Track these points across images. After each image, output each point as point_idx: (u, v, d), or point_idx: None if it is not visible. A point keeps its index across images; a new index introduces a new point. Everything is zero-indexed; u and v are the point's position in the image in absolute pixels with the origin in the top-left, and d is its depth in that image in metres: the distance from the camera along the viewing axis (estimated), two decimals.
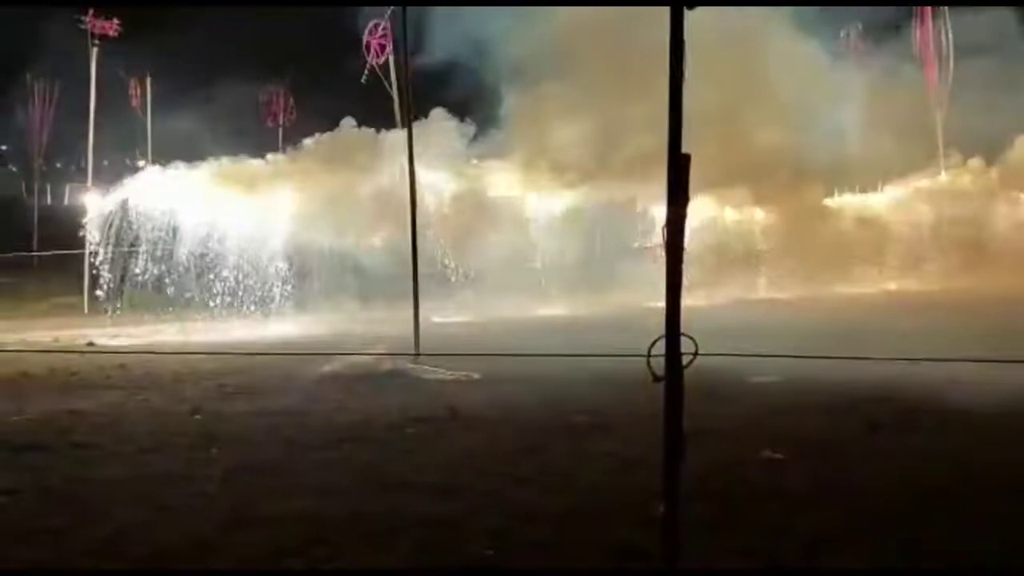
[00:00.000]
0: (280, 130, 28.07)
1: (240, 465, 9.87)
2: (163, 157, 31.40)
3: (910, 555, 6.79)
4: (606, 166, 26.07)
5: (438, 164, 24.79)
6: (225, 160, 25.46)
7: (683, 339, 5.57)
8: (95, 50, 30.73)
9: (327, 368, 15.58)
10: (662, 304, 5.51)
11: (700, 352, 5.60)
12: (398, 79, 26.93)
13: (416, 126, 19.34)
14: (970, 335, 16.56)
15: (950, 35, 29.97)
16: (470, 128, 26.41)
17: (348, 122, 26.03)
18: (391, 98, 27.62)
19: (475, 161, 26.80)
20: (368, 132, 25.90)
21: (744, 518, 7.63)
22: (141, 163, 37.39)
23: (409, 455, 10.28)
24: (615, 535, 7.09)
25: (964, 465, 9.10)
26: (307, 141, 26.37)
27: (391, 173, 23.48)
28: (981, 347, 13.47)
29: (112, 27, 31.42)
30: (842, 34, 30.83)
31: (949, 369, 11.79)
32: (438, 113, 25.76)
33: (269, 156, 26.27)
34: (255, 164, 25.75)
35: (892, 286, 28.44)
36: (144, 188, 25.59)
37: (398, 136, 22.58)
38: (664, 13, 5.56)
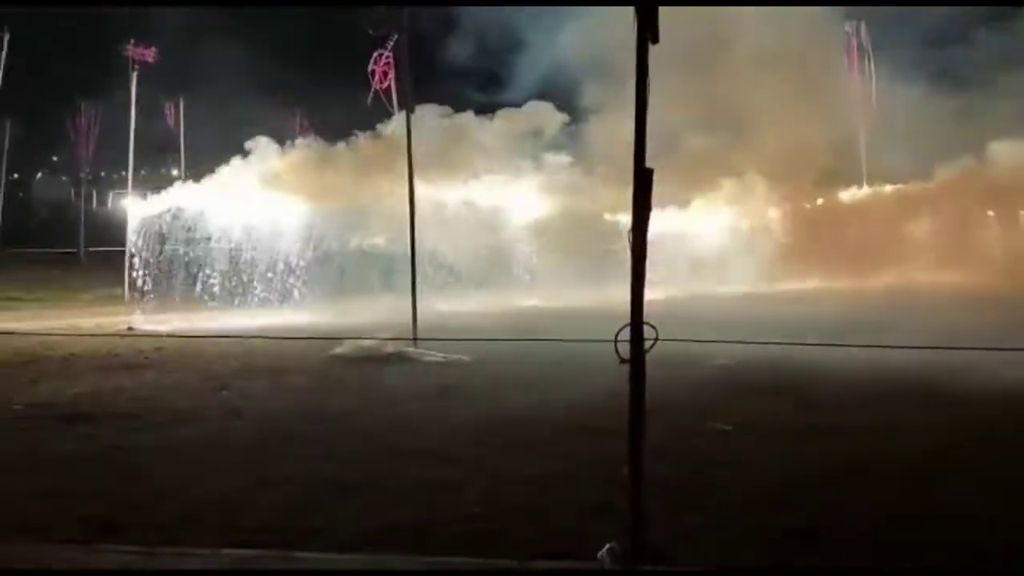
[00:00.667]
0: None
1: (262, 434, 9.93)
2: (193, 168, 31.45)
3: (832, 513, 6.85)
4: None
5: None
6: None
7: (645, 327, 5.69)
8: (135, 75, 30.66)
9: (337, 351, 15.63)
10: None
11: (660, 338, 5.71)
12: (399, 101, 26.95)
13: None
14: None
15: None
16: None
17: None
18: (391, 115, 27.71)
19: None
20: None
21: (696, 480, 7.72)
22: (174, 172, 37.24)
23: (408, 426, 10.33)
24: (588, 495, 7.14)
25: (879, 438, 9.24)
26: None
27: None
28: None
29: (150, 54, 31.33)
30: None
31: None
32: None
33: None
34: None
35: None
36: (182, 195, 25.56)
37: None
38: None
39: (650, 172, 5.72)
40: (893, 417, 10.11)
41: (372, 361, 15.01)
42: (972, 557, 5.97)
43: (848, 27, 29.34)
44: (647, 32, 5.77)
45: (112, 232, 31.13)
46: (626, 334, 5.65)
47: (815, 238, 29.11)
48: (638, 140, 5.76)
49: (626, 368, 5.67)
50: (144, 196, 27.30)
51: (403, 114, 19.75)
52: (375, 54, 26.59)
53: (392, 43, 25.50)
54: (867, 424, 9.84)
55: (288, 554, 5.98)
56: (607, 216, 25.88)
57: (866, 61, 29.47)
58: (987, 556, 6.00)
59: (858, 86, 30.23)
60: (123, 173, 34.67)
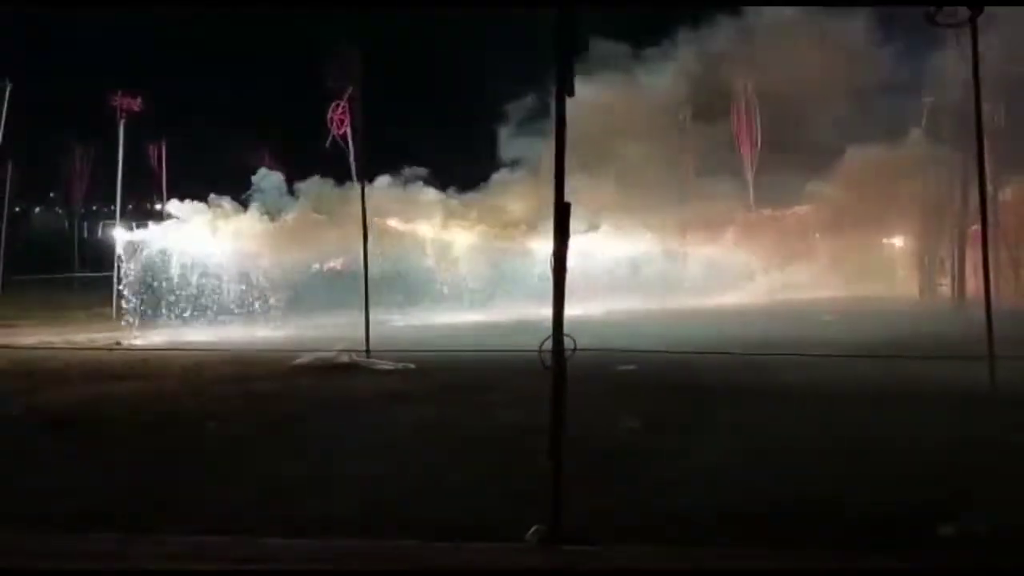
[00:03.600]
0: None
1: (234, 435, 9.68)
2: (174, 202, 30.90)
3: (727, 495, 6.83)
4: None
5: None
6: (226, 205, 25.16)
7: (566, 338, 5.67)
8: (122, 121, 30.12)
9: (298, 361, 15.40)
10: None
11: (577, 348, 5.70)
12: (355, 148, 26.87)
13: None
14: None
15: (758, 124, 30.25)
16: None
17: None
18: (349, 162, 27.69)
19: None
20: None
21: (608, 469, 7.68)
22: (158, 206, 36.66)
23: (357, 426, 10.19)
24: (512, 484, 7.03)
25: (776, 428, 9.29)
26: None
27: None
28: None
29: (136, 103, 30.79)
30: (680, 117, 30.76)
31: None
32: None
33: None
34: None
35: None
36: (163, 229, 25.21)
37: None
38: None
39: (568, 206, 5.71)
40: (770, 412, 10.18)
41: (329, 370, 14.78)
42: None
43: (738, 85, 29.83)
44: (564, 86, 5.81)
45: (103, 259, 30.44)
46: (549, 344, 5.65)
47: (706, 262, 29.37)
48: (558, 178, 5.75)
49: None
50: (131, 227, 26.81)
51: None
52: (332, 104, 26.55)
53: (348, 95, 25.53)
54: (748, 420, 9.89)
55: (255, 540, 5.79)
56: (534, 245, 26.00)
57: (754, 111, 29.90)
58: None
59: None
60: (112, 207, 34.09)
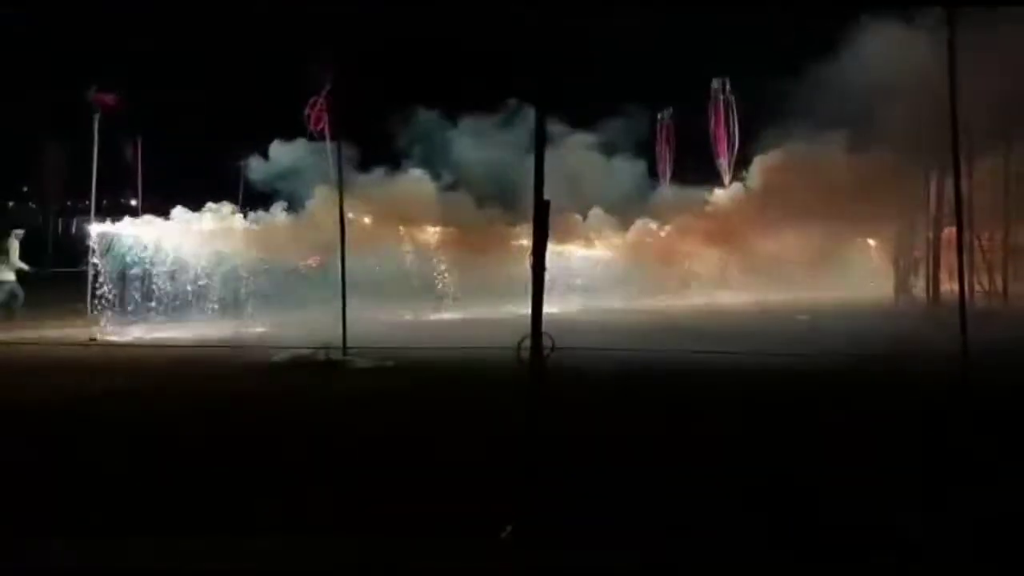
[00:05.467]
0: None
1: (206, 435, 9.58)
2: (149, 200, 30.73)
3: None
4: None
5: None
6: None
7: (544, 337, 5.70)
8: (97, 117, 29.74)
9: (275, 359, 15.32)
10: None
11: (555, 346, 5.74)
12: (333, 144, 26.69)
13: None
14: None
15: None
16: None
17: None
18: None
19: None
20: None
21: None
22: (133, 202, 36.33)
23: (336, 421, 10.14)
24: (487, 475, 7.04)
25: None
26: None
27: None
28: None
29: (112, 99, 30.40)
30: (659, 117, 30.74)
31: None
32: None
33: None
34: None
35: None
36: (139, 226, 24.96)
37: None
38: None
39: (547, 204, 5.74)
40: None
41: (306, 367, 14.71)
42: None
43: (715, 83, 29.71)
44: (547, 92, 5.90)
45: (78, 254, 30.06)
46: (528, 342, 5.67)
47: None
48: (537, 176, 5.78)
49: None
50: (105, 222, 26.50)
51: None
52: (311, 100, 26.33)
53: (326, 91, 25.33)
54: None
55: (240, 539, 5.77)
56: (513, 242, 25.92)
57: (731, 112, 29.85)
58: None
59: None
60: (87, 203, 33.69)
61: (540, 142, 5.89)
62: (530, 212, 5.56)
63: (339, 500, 6.62)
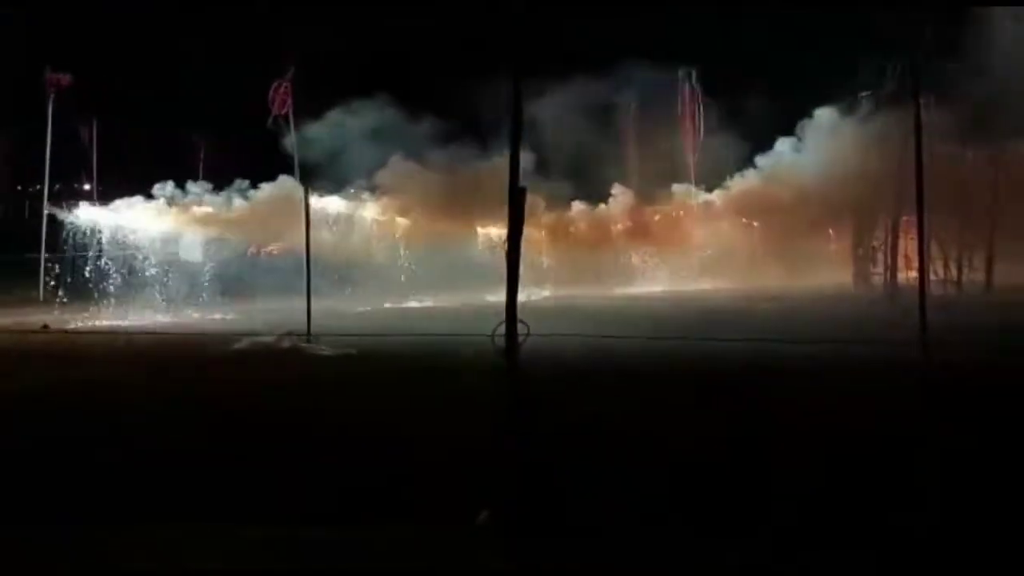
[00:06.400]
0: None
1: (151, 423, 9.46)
2: (106, 184, 30.23)
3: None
4: None
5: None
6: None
7: (520, 324, 5.71)
8: (51, 98, 29.22)
9: (236, 346, 15.19)
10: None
11: (531, 332, 5.74)
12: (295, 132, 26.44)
13: None
14: None
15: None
16: None
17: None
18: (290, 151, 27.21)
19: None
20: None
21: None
22: (87, 187, 35.65)
23: (293, 407, 10.10)
24: (457, 464, 7.03)
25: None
26: None
27: None
28: None
29: (66, 80, 29.85)
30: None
31: None
32: None
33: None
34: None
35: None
36: (95, 212, 24.59)
37: None
38: None
39: (523, 191, 5.75)
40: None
41: (267, 355, 14.61)
42: None
43: (681, 73, 29.91)
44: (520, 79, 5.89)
45: (30, 240, 29.48)
46: (503, 329, 5.67)
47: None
48: (513, 164, 5.79)
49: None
50: (61, 208, 26.05)
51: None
52: (274, 84, 26.11)
53: (290, 74, 25.17)
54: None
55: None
56: (479, 229, 25.97)
57: (697, 105, 30.08)
58: None
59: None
60: (38, 187, 33.04)
61: (516, 129, 5.89)
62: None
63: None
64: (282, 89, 26.02)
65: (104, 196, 26.65)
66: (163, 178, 25.28)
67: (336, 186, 25.46)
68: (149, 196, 24.57)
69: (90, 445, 8.22)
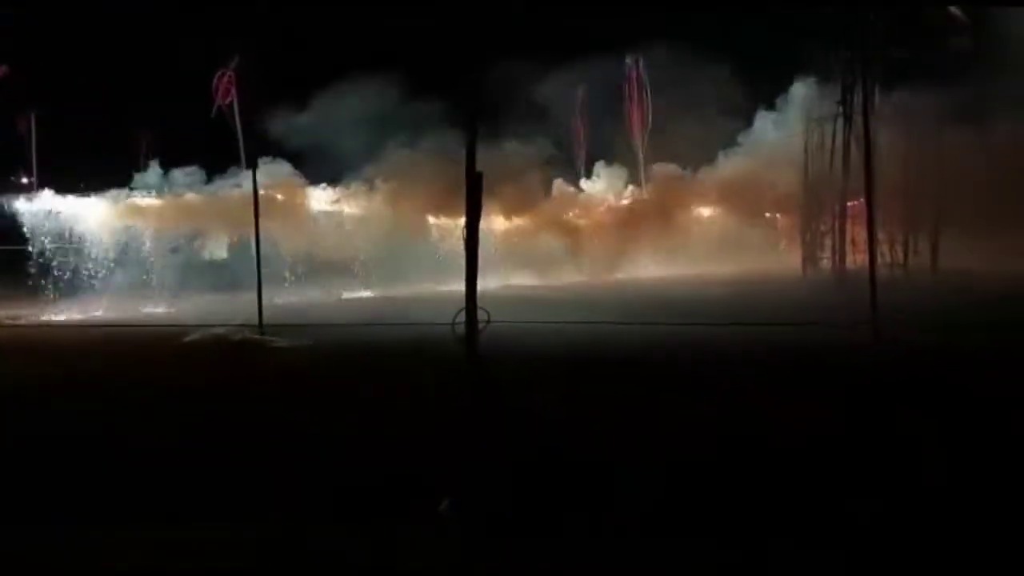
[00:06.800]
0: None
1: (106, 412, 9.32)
2: (46, 177, 29.46)
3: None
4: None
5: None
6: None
7: (480, 311, 5.71)
8: None
9: (188, 338, 14.97)
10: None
11: (492, 320, 5.74)
12: (241, 122, 25.89)
13: None
14: None
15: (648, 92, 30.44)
16: None
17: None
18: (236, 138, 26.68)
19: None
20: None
21: None
22: (24, 180, 34.74)
23: (252, 398, 10.00)
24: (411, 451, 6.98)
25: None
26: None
27: None
28: None
29: (2, 71, 29.00)
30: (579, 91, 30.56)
31: None
32: None
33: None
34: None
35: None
36: (42, 205, 23.99)
37: None
38: None
39: (480, 175, 5.73)
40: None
41: (218, 347, 14.41)
42: None
43: (628, 60, 29.93)
44: (475, 56, 5.87)
45: None
46: (463, 316, 5.66)
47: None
48: (469, 148, 5.77)
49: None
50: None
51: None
52: (218, 73, 25.56)
53: (234, 63, 24.65)
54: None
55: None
56: (431, 219, 25.81)
57: (644, 91, 30.13)
58: None
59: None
60: None
61: (472, 118, 5.87)
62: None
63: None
64: (225, 78, 25.49)
65: (45, 188, 25.77)
66: (109, 171, 24.76)
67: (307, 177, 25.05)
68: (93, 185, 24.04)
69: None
